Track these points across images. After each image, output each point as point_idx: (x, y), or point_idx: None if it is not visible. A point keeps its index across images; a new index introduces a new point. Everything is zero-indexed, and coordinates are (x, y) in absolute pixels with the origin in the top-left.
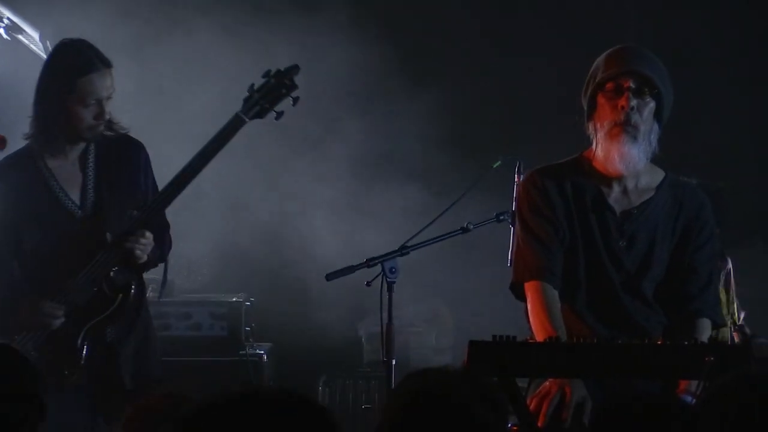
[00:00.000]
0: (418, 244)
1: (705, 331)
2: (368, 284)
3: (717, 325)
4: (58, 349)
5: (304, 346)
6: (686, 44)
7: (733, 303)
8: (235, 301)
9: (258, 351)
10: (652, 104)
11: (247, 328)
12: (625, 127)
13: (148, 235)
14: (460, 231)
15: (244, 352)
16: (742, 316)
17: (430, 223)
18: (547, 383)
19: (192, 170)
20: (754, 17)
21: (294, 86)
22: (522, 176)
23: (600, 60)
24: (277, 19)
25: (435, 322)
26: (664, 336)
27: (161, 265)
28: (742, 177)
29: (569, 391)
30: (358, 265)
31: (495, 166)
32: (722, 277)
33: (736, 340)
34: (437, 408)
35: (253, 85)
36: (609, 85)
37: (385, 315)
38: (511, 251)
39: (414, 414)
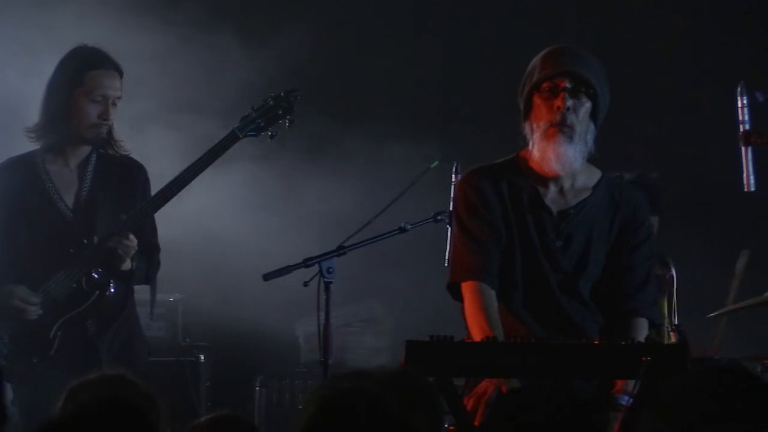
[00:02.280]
0: (356, 244)
1: (642, 330)
2: (306, 284)
3: (654, 324)
4: (31, 340)
5: (241, 347)
6: (626, 41)
7: (674, 308)
8: (172, 301)
9: (195, 351)
10: (588, 104)
11: (184, 328)
12: (561, 128)
13: (132, 238)
14: (397, 231)
15: (181, 352)
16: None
17: (368, 223)
18: (484, 383)
19: (182, 181)
20: (695, 13)
21: (291, 110)
22: (459, 176)
23: (536, 60)
24: None
25: (372, 323)
26: (601, 336)
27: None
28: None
29: (505, 390)
30: (295, 265)
31: (432, 166)
32: (667, 284)
33: (673, 339)
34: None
35: (253, 105)
36: (545, 86)
37: (322, 315)
38: (448, 251)
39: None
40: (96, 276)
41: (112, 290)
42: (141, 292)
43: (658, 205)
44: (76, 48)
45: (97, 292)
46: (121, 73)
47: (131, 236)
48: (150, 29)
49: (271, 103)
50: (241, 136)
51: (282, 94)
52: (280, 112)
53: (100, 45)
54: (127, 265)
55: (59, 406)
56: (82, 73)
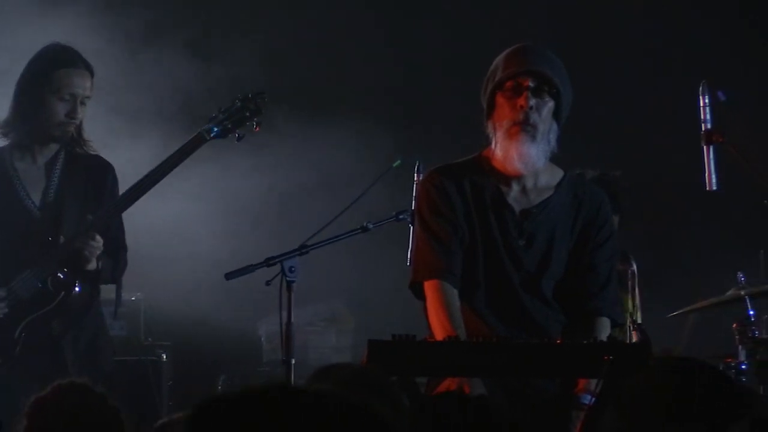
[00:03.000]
0: (318, 243)
1: (604, 329)
2: (268, 283)
3: (616, 323)
4: None
5: (204, 346)
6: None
7: (636, 305)
8: (134, 300)
9: (157, 350)
10: (551, 103)
11: (146, 328)
12: (523, 127)
13: (98, 239)
14: (360, 230)
15: (143, 351)
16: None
17: (330, 222)
18: (446, 382)
19: (149, 182)
20: (658, 12)
21: (259, 111)
22: (421, 176)
23: (499, 59)
24: None
25: (335, 322)
26: (564, 335)
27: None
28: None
29: (468, 389)
30: (257, 264)
31: (395, 165)
32: (628, 279)
33: (635, 339)
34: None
35: (221, 107)
36: (508, 85)
37: (284, 314)
38: (410, 251)
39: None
40: (61, 276)
41: (77, 290)
42: (106, 291)
43: (618, 205)
44: (48, 45)
45: (63, 292)
46: (91, 72)
47: (97, 237)
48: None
49: (239, 104)
50: (208, 138)
51: (249, 95)
52: (247, 114)
53: (71, 43)
54: (92, 265)
55: (24, 423)
56: (51, 71)
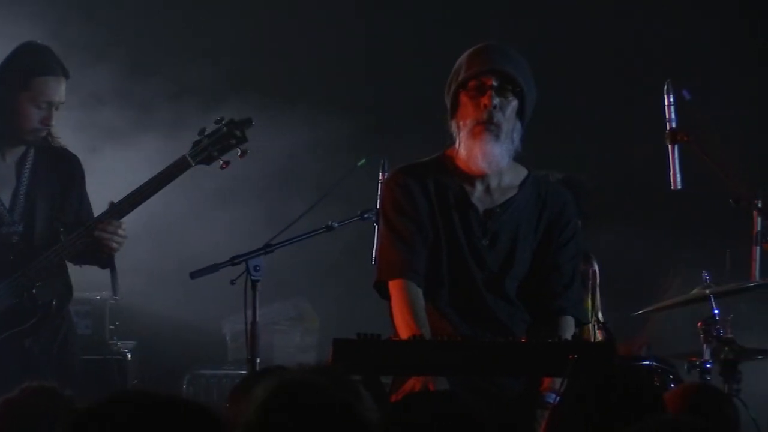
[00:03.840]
0: (283, 242)
1: (568, 328)
2: (233, 282)
3: (580, 323)
4: None
5: (169, 344)
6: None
7: (597, 304)
8: (99, 299)
9: (122, 349)
10: (514, 103)
11: (111, 327)
12: (487, 126)
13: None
14: (324, 229)
15: (108, 350)
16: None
17: (295, 221)
18: (411, 381)
19: (128, 205)
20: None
21: (244, 139)
22: (386, 175)
23: (463, 58)
24: None
25: (299, 321)
26: (528, 334)
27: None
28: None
29: (432, 388)
30: (222, 263)
31: (360, 164)
32: (589, 279)
33: (600, 338)
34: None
35: (204, 129)
36: (472, 84)
37: (249, 313)
38: (375, 250)
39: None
40: (39, 292)
41: (54, 303)
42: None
43: (582, 207)
44: (24, 47)
45: (41, 312)
46: (67, 76)
47: (123, 225)
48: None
49: (224, 130)
50: (193, 164)
51: (235, 120)
52: (233, 141)
53: (47, 43)
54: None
55: None
56: (29, 78)
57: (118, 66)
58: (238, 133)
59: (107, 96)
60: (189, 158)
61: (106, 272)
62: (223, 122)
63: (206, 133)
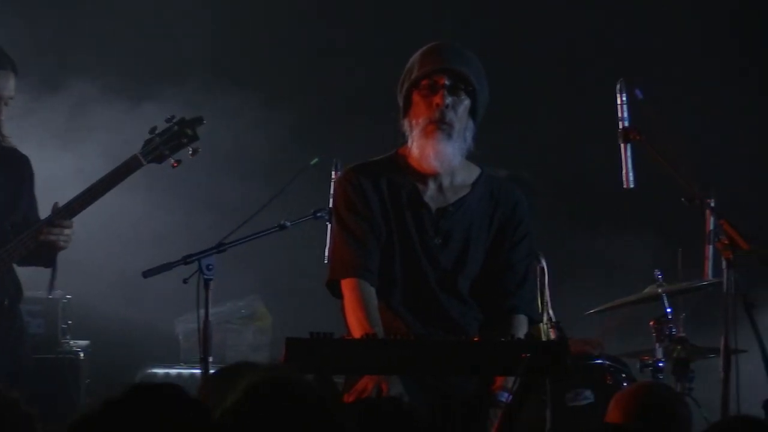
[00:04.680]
0: (236, 241)
1: (521, 327)
2: (185, 281)
3: (533, 321)
4: None
5: (122, 343)
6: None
7: (546, 302)
8: (52, 298)
9: (75, 348)
10: (467, 102)
11: (64, 326)
12: (439, 125)
13: (70, 223)
14: (277, 228)
15: (60, 349)
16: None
17: (248, 220)
18: (364, 380)
19: (78, 207)
20: (574, 11)
21: (195, 138)
22: (339, 174)
23: (415, 57)
24: None
25: (252, 319)
26: (481, 333)
27: None
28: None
29: (385, 387)
30: (175, 262)
31: (313, 163)
32: (537, 277)
33: (552, 336)
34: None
35: (155, 128)
36: (424, 83)
37: (202, 312)
38: (327, 249)
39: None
40: None
41: (5, 303)
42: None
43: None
44: None
45: None
46: (16, 71)
47: (68, 222)
48: None
49: (176, 129)
50: (144, 163)
51: (186, 119)
52: (184, 140)
53: None
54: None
55: None
56: None
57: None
58: (189, 131)
59: (45, 94)
60: (140, 157)
61: (59, 271)
62: (174, 121)
63: (157, 132)
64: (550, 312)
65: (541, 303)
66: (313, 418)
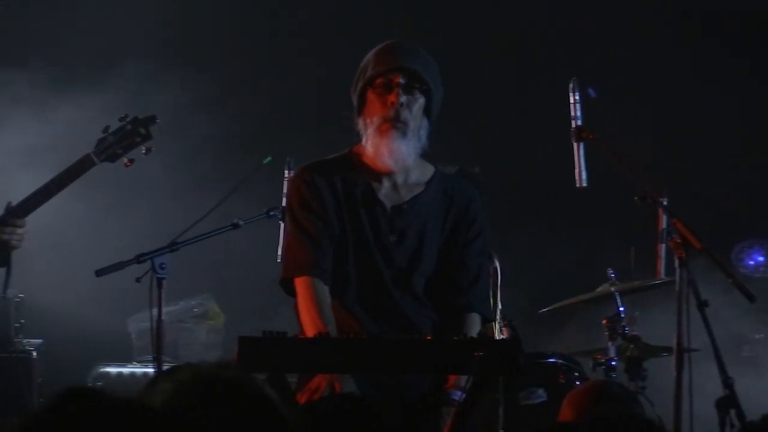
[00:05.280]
0: (189, 240)
1: (474, 326)
2: (138, 280)
3: (486, 320)
4: None
5: (75, 342)
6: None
7: (498, 301)
8: (4, 297)
9: (28, 347)
10: (421, 100)
11: (17, 324)
12: (394, 123)
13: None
14: (230, 227)
15: (13, 348)
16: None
17: (201, 219)
18: (317, 379)
19: (32, 205)
20: (526, 10)
21: (149, 136)
22: (292, 172)
23: (370, 56)
24: None
25: (205, 318)
26: (434, 331)
27: None
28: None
29: (338, 386)
30: (127, 261)
31: (266, 162)
32: (490, 277)
33: (505, 335)
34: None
35: (108, 127)
36: (379, 81)
37: (155, 311)
38: (281, 247)
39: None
40: None
41: None
42: None
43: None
44: None
45: None
46: None
47: (21, 221)
48: None
49: (129, 128)
50: (97, 162)
51: (140, 118)
52: (138, 139)
53: None
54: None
55: None
56: None
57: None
58: (142, 130)
59: None
60: (93, 156)
61: (12, 268)
62: (127, 120)
63: (110, 131)
64: (498, 310)
65: (493, 303)
66: (257, 417)
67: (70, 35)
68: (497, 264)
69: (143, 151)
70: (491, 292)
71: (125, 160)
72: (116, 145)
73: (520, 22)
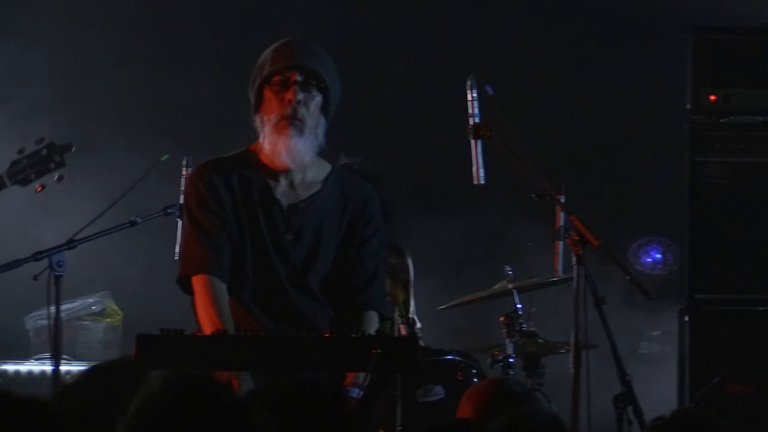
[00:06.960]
0: (86, 237)
1: (372, 323)
2: (35, 278)
3: (384, 317)
4: None
5: None
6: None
7: (410, 298)
8: None
9: None
10: (319, 98)
11: None
12: (291, 121)
13: None
14: (128, 224)
15: None
16: (412, 308)
17: (99, 216)
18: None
19: None
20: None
21: (62, 164)
22: (190, 170)
23: (267, 53)
24: None
25: (103, 316)
26: (332, 329)
27: None
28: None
29: (236, 384)
30: (24, 259)
31: (163, 159)
32: (402, 273)
33: (403, 332)
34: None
35: (23, 149)
36: (276, 79)
37: (52, 309)
38: (178, 245)
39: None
40: None
41: None
42: None
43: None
44: None
45: None
46: None
47: None
48: None
49: (44, 153)
50: (9, 185)
51: (56, 144)
52: (52, 166)
53: None
54: None
55: None
56: None
57: None
58: (57, 157)
59: None
60: (5, 178)
61: None
62: (43, 144)
63: (25, 154)
64: (412, 305)
65: (404, 299)
66: (228, 418)
67: None
68: (410, 261)
69: (56, 178)
70: (404, 288)
71: (36, 185)
72: (29, 169)
73: (420, 16)
